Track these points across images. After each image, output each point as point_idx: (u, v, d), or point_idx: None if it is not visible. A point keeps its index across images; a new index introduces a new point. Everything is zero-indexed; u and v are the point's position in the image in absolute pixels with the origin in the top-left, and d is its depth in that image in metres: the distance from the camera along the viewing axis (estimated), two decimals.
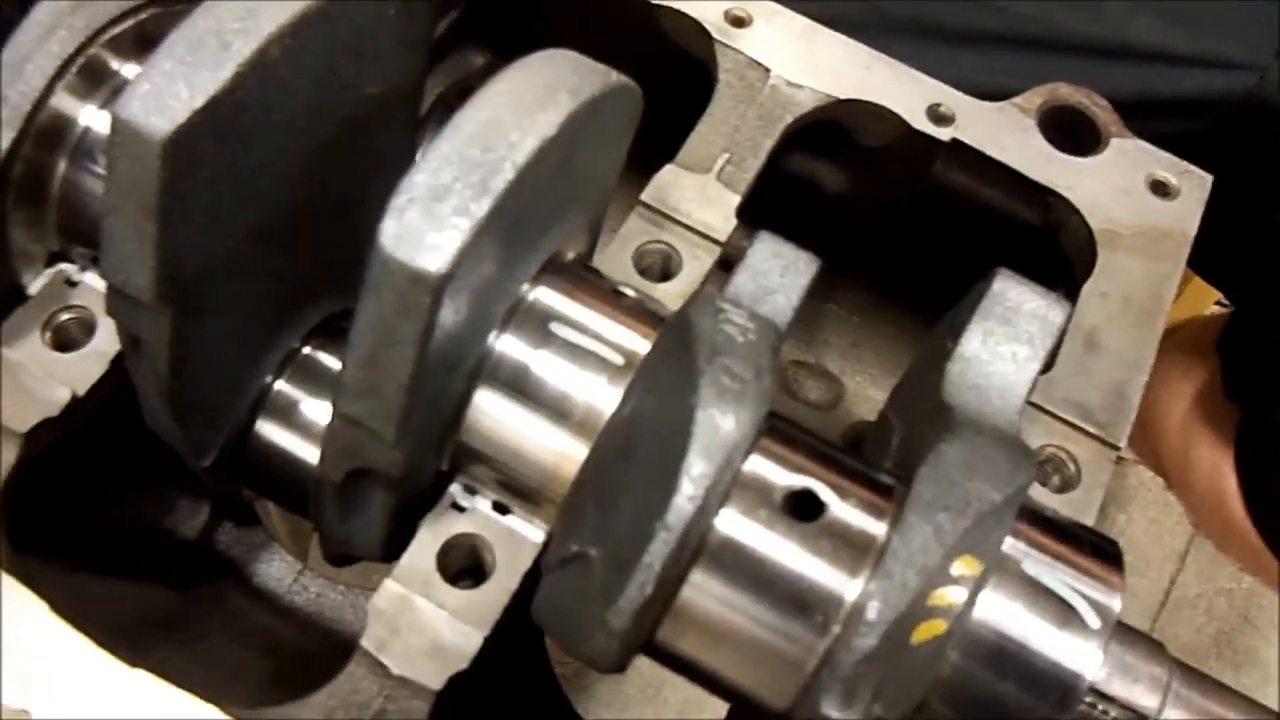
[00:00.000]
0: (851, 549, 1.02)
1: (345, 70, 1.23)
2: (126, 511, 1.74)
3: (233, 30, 1.07)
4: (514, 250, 1.16)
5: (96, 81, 1.31)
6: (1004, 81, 2.68)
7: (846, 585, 1.01)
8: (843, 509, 1.04)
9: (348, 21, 1.18)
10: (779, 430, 1.09)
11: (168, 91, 1.04)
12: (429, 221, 0.99)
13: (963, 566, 1.00)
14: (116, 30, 1.31)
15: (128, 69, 1.34)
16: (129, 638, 1.28)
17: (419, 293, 0.99)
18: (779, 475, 1.06)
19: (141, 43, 1.35)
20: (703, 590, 1.03)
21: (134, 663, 1.17)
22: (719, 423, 0.96)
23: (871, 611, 0.95)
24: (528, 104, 1.07)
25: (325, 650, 1.76)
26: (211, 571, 1.82)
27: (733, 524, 1.03)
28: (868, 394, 2.09)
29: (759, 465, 1.05)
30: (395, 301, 1.00)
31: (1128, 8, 2.62)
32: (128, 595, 1.56)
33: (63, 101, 1.29)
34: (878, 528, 1.04)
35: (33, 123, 1.26)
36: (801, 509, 1.03)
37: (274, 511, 1.86)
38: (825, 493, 1.04)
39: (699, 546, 1.01)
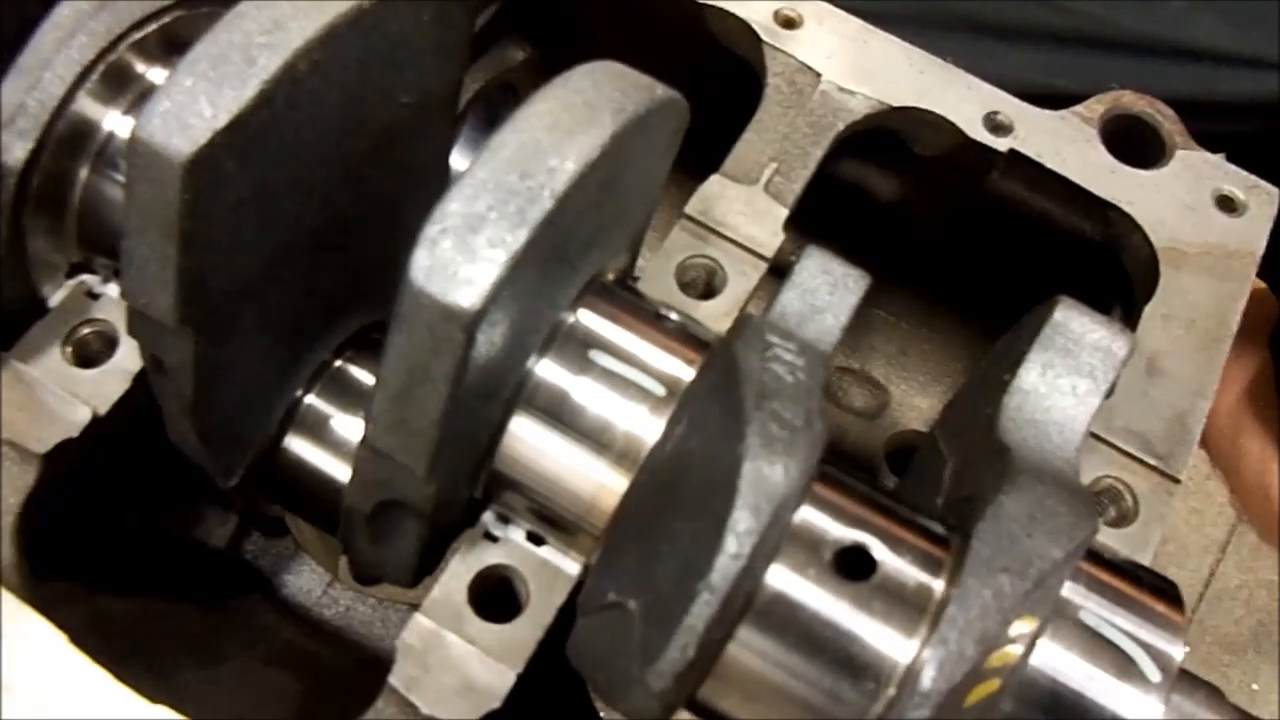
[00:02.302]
0: (905, 608, 0.97)
1: (379, 81, 1.18)
2: (152, 522, 1.70)
3: (258, 44, 1.02)
4: (553, 275, 1.11)
5: (120, 86, 1.27)
6: (1059, 80, 2.61)
7: (900, 647, 0.95)
8: (896, 565, 0.99)
9: (381, 30, 1.13)
10: (829, 476, 1.04)
11: (189, 109, 0.99)
12: (463, 253, 0.93)
13: (1021, 625, 0.95)
14: (140, 34, 1.26)
15: (153, 73, 1.29)
16: (154, 662, 1.25)
17: (451, 329, 0.94)
18: (830, 527, 1.00)
19: (167, 46, 1.30)
20: (749, 648, 0.98)
21: (154, 697, 1.12)
22: (767, 474, 0.90)
23: (926, 681, 0.90)
24: (568, 125, 1.01)
25: (355, 668, 1.72)
26: (239, 584, 1.78)
27: (782, 580, 0.97)
28: (913, 402, 2.03)
29: (809, 516, 1.00)
30: (427, 337, 0.95)
31: (1188, 8, 2.55)
32: (154, 615, 1.52)
33: (85, 107, 1.24)
34: (933, 584, 0.98)
35: (52, 131, 1.21)
36: (853, 566, 0.98)
37: (303, 522, 1.82)
38: (878, 548, 0.99)
39: (746, 603, 0.96)
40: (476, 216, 0.94)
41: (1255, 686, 2.20)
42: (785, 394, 0.97)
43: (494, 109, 2.08)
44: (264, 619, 1.74)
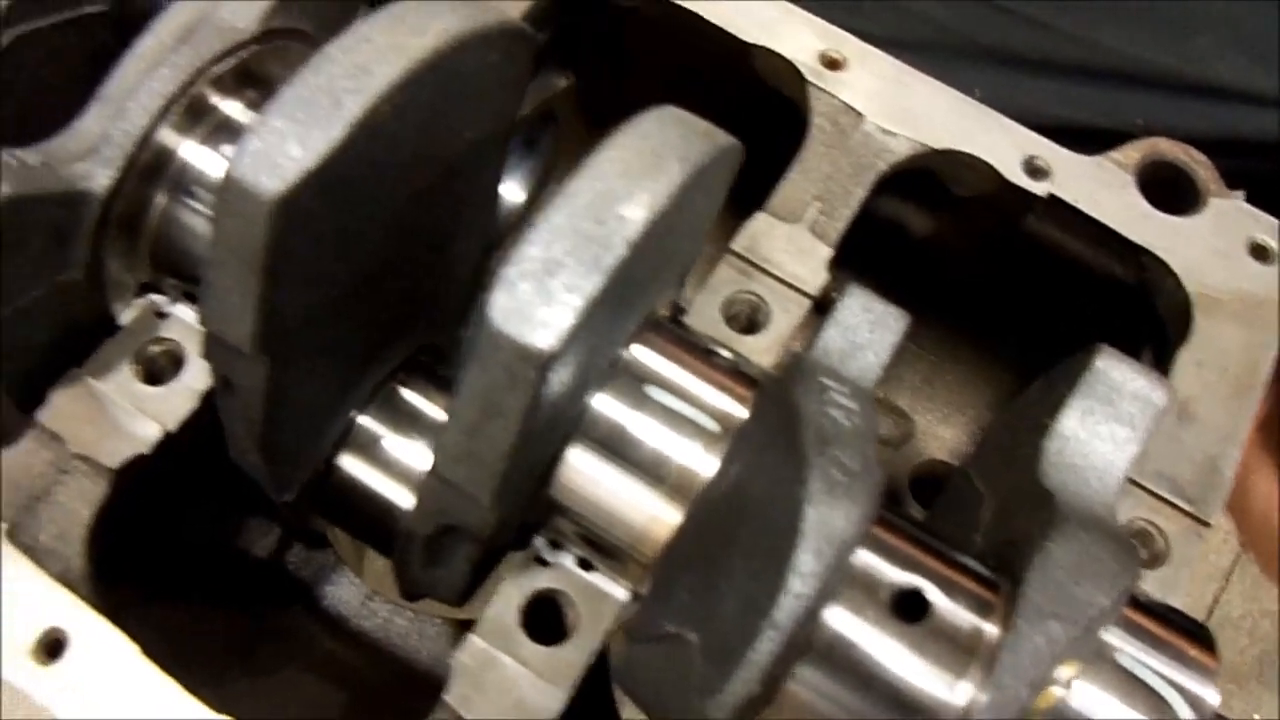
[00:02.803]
0: (958, 651, 1.01)
1: (449, 118, 1.22)
2: (202, 533, 1.74)
3: (345, 88, 1.06)
4: (617, 315, 1.15)
5: (197, 117, 1.31)
6: (1085, 115, 2.66)
7: (953, 689, 1.00)
8: (950, 609, 1.03)
9: (455, 71, 1.17)
10: (884, 519, 1.08)
11: (279, 151, 1.03)
12: (540, 296, 0.97)
13: (1065, 668, 0.99)
14: (218, 68, 1.30)
15: (228, 105, 1.33)
16: (213, 669, 1.29)
17: (527, 368, 0.98)
18: (887, 571, 1.05)
19: (242, 79, 1.34)
20: (807, 686, 1.02)
21: (220, 707, 1.17)
22: (830, 519, 0.95)
23: None
24: (639, 173, 1.06)
25: (393, 681, 1.76)
26: (282, 594, 1.82)
27: (840, 621, 1.02)
28: (937, 432, 2.07)
29: (867, 559, 1.04)
30: (502, 375, 0.99)
31: (1214, 46, 2.59)
32: (208, 623, 1.56)
33: (165, 137, 1.29)
34: (984, 628, 1.03)
35: (135, 160, 1.26)
36: (909, 609, 1.02)
37: (341, 534, 1.86)
38: (932, 592, 1.03)
39: (805, 641, 1.00)
40: (553, 261, 0.99)
41: (1257, 716, 2.24)
42: (844, 439, 1.01)
43: (534, 134, 2.12)
44: (306, 630, 1.78)
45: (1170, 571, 1.37)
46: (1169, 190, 1.61)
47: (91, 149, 1.24)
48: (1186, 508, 1.41)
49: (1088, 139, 2.57)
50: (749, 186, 1.55)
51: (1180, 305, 1.54)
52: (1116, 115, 2.63)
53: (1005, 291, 1.85)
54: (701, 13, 1.66)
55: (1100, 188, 1.59)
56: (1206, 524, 1.40)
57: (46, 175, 1.20)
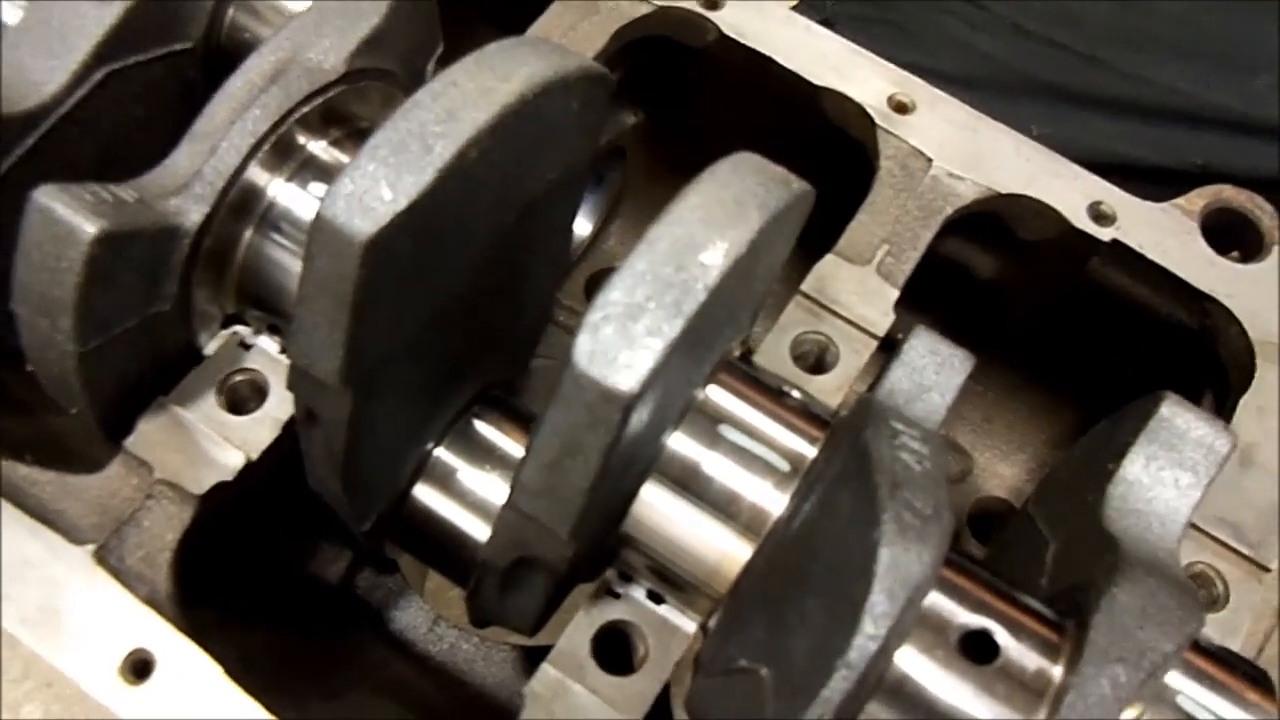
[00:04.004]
0: (1025, 692, 1.03)
1: (531, 160, 1.26)
2: (275, 557, 1.78)
3: (434, 133, 1.10)
4: (694, 357, 1.18)
5: (285, 156, 1.35)
6: (1142, 152, 2.68)
7: None
8: (1018, 651, 1.05)
9: (538, 115, 1.21)
10: (954, 562, 1.10)
11: (371, 194, 1.06)
12: (623, 340, 1.00)
13: (1129, 711, 1.01)
14: (305, 108, 1.35)
15: (314, 145, 1.38)
16: (290, 691, 1.32)
17: (609, 410, 1.01)
18: (956, 613, 1.07)
19: (328, 119, 1.39)
20: None
21: None
22: (903, 562, 0.97)
23: None
24: (719, 220, 1.08)
25: (461, 705, 1.79)
26: (352, 618, 1.85)
27: (910, 662, 1.04)
28: (996, 470, 2.09)
29: (937, 601, 1.07)
30: (585, 415, 1.02)
31: (1272, 85, 2.60)
32: (282, 646, 1.60)
33: (254, 175, 1.33)
34: (1051, 670, 1.05)
35: (225, 197, 1.30)
36: (978, 651, 1.04)
37: (408, 557, 1.89)
38: (1001, 634, 1.05)
39: (877, 680, 1.03)
40: (636, 306, 1.01)
41: None
42: (916, 484, 1.04)
43: (603, 169, 2.16)
44: (375, 653, 1.82)
45: (1230, 615, 1.38)
46: (1234, 237, 1.63)
47: (184, 185, 1.28)
48: (1247, 553, 1.42)
49: (1146, 177, 2.60)
50: (815, 225, 1.59)
51: (1243, 352, 1.56)
52: (1175, 154, 2.65)
53: (1068, 334, 1.87)
54: (773, 55, 1.69)
55: (1165, 234, 1.61)
56: (1267, 569, 1.41)
57: (141, 211, 1.25)
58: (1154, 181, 2.28)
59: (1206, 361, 1.65)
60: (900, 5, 2.82)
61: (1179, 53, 2.70)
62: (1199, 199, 1.64)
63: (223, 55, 1.51)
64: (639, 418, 1.06)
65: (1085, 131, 2.66)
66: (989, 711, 1.03)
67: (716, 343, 1.25)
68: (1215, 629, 1.38)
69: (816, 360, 1.50)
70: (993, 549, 1.56)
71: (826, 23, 2.86)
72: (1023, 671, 1.05)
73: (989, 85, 2.74)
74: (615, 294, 1.03)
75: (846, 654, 0.96)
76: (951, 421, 2.08)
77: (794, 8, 2.97)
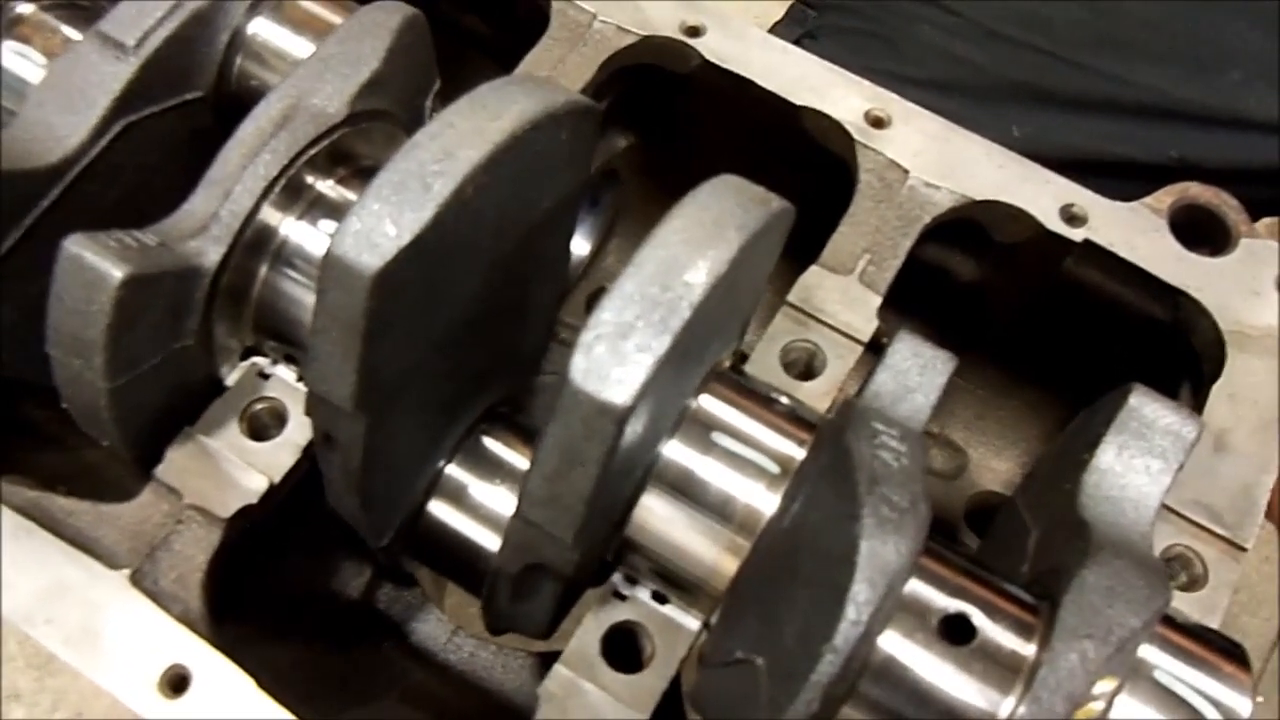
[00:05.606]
0: (1001, 670, 1.11)
1: (526, 190, 1.34)
2: (298, 574, 1.86)
3: (432, 171, 1.18)
4: (684, 369, 1.26)
5: (295, 196, 1.43)
6: (1118, 148, 2.75)
7: (997, 705, 1.09)
8: (994, 632, 1.13)
9: (530, 148, 1.28)
10: (933, 551, 1.18)
11: (376, 230, 1.14)
12: (614, 357, 1.08)
13: (1103, 684, 1.08)
14: (313, 151, 1.43)
15: (322, 184, 1.45)
16: (319, 703, 1.40)
17: (605, 422, 1.09)
18: (935, 598, 1.15)
19: (333, 159, 1.47)
20: (863, 704, 1.12)
21: None
22: (881, 552, 1.05)
23: None
24: (700, 241, 1.16)
25: (481, 710, 1.87)
26: (374, 631, 1.93)
27: (893, 645, 1.12)
28: (991, 464, 2.16)
29: (916, 588, 1.14)
30: (582, 428, 1.10)
31: (1245, 80, 2.68)
32: (308, 659, 1.67)
33: (267, 215, 1.41)
34: (1025, 649, 1.12)
35: (241, 237, 1.38)
36: (956, 632, 1.12)
37: (425, 570, 1.97)
38: (978, 616, 1.13)
39: (862, 664, 1.10)
40: (626, 325, 1.09)
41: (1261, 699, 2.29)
42: (893, 479, 1.11)
43: (598, 191, 2.24)
44: (397, 663, 1.89)
45: (1208, 594, 1.45)
46: (1201, 232, 1.69)
47: (202, 228, 1.37)
48: (1223, 534, 1.49)
49: (1124, 172, 2.67)
50: (802, 236, 1.66)
51: (1214, 342, 1.63)
52: (1150, 149, 2.72)
53: (1048, 331, 1.94)
54: (753, 78, 1.77)
55: (1135, 232, 1.68)
56: (1243, 548, 1.48)
57: (164, 254, 1.33)
58: (1131, 177, 2.35)
59: (1182, 353, 1.71)
60: (880, 16, 2.90)
61: (1152, 52, 2.78)
62: (1166, 196, 1.71)
63: (233, 102, 1.59)
64: (633, 428, 1.14)
65: (1064, 131, 2.73)
66: (968, 689, 1.10)
67: (706, 355, 1.33)
68: (1196, 607, 1.45)
69: (805, 367, 1.58)
70: (986, 540, 1.63)
71: (810, 35, 2.95)
72: (999, 651, 1.12)
73: (968, 89, 2.82)
74: (606, 314, 1.11)
75: (832, 639, 1.03)
76: (944, 419, 2.17)
77: (778, 22, 3.05)
